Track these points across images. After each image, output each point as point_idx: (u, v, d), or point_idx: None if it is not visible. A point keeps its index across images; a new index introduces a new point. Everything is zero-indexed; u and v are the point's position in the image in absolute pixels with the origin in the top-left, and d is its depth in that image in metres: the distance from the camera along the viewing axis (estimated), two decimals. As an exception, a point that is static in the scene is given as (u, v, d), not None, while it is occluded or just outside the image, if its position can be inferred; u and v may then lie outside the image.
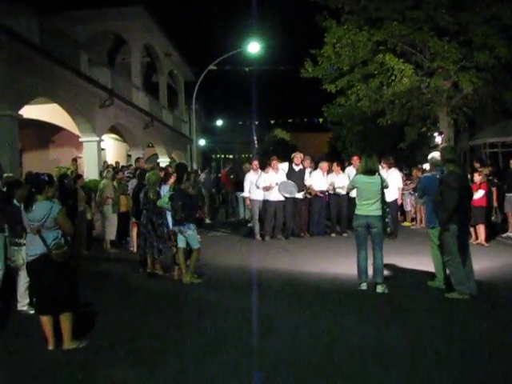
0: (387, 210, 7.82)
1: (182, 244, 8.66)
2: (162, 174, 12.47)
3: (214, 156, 56.19)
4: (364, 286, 7.75)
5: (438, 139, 10.90)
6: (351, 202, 13.03)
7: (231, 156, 66.50)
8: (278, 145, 61.10)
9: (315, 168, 14.61)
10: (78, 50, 16.70)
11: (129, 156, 25.46)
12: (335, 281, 8.53)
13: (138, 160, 13.42)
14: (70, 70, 15.21)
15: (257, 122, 51.06)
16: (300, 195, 13.85)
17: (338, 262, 10.08)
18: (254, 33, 42.45)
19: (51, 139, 22.65)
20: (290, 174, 13.86)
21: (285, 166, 14.08)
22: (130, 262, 10.72)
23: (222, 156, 61.31)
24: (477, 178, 13.01)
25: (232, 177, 19.29)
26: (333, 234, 14.24)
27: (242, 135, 60.63)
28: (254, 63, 32.41)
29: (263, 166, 14.51)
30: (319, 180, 14.18)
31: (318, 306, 7.07)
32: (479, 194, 12.40)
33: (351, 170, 14.42)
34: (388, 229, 7.76)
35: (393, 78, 16.58)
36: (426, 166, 8.98)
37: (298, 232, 14.06)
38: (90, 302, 7.25)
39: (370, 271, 7.82)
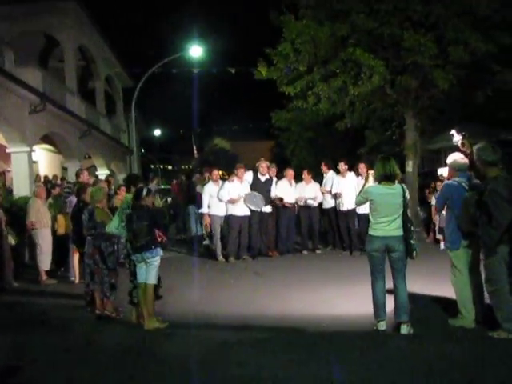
0: (412, 228, 6.13)
1: (142, 278, 6.73)
2: (106, 188, 10.56)
3: (152, 167, 54.02)
4: (383, 326, 6.04)
5: (457, 138, 9.19)
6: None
7: (170, 167, 64.50)
8: (218, 154, 59.61)
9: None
10: (2, 46, 14.43)
11: (64, 169, 23.11)
12: (338, 318, 6.77)
13: (80, 172, 11.18)
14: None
15: (199, 130, 49.14)
16: (267, 209, 12.14)
17: (329, 289, 8.40)
18: (197, 35, 40.54)
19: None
20: (256, 185, 12.13)
21: (249, 175, 12.33)
22: (72, 298, 8.73)
23: (161, 167, 59.30)
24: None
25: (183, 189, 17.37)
26: (304, 251, 12.60)
27: (181, 145, 58.75)
28: (196, 68, 30.45)
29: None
30: (287, 191, 12.50)
31: (330, 356, 5.35)
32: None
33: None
34: (414, 252, 6.05)
35: (362, 75, 15.10)
36: (443, 172, 7.38)
37: (266, 250, 12.34)
38: (16, 366, 5.28)
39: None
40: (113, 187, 13.83)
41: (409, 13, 14.51)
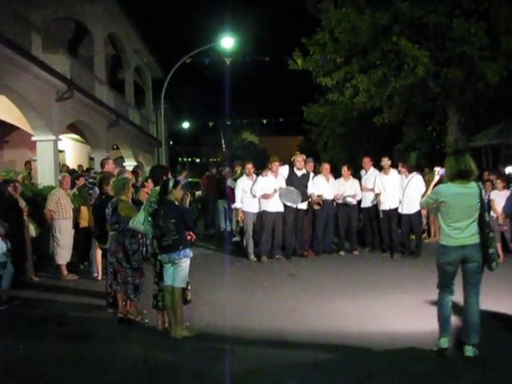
0: (491, 234, 5.23)
1: (169, 280, 6.04)
2: (133, 179, 9.88)
3: (180, 160, 53.56)
4: (445, 343, 5.16)
5: None
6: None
7: (198, 160, 64.14)
8: (246, 148, 59.05)
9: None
10: (30, 31, 13.85)
11: (91, 159, 22.64)
12: (394, 336, 5.87)
13: (105, 161, 10.50)
14: (18, 52, 12.33)
15: (228, 123, 48.37)
16: (303, 205, 11.36)
17: (375, 298, 7.58)
18: (230, 25, 39.90)
19: (4, 139, 19.71)
20: (292, 180, 11.34)
21: (284, 170, 11.57)
22: (93, 296, 8.12)
23: (189, 160, 58.89)
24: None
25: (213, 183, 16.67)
26: (341, 252, 11.79)
27: (210, 138, 58.25)
28: (228, 58, 29.77)
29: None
30: (324, 187, 11.69)
31: None
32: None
33: (362, 173, 12.28)
34: (493, 263, 5.14)
35: (405, 66, 14.21)
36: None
37: (301, 250, 11.56)
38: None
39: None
40: (140, 179, 13.22)
41: (458, 0, 13.59)
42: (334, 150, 29.47)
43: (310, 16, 17.73)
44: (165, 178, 6.70)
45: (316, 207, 11.36)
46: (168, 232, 5.98)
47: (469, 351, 5.09)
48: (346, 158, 24.49)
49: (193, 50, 25.68)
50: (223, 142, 57.40)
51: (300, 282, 8.91)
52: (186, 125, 47.70)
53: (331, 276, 9.43)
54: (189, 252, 6.06)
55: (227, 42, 24.81)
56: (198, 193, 20.85)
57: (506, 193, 10.83)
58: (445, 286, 5.24)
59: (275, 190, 10.99)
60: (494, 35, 13.74)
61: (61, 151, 18.51)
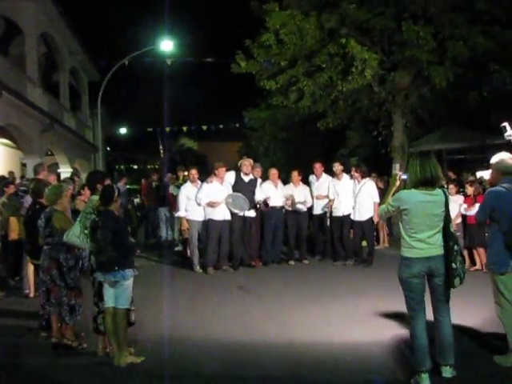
0: (456, 247, 4.69)
1: (111, 301, 5.36)
2: (71, 187, 9.09)
3: (117, 166, 52.28)
4: (426, 381, 4.50)
5: (510, 132, 7.80)
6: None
7: (136, 166, 63.01)
8: (185, 154, 58.16)
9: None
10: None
11: (23, 165, 21.40)
12: (355, 350, 5.46)
13: (39, 169, 9.60)
14: None
15: (168, 129, 47.41)
16: (251, 213, 10.83)
17: (330, 309, 7.18)
18: (169, 27, 39.07)
19: None
20: (238, 186, 10.79)
21: (231, 175, 11.00)
22: (23, 317, 7.29)
23: (127, 166, 57.71)
24: (469, 189, 10.70)
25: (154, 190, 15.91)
26: (291, 262, 11.34)
27: (148, 144, 57.15)
28: (169, 59, 28.93)
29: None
30: (272, 193, 11.19)
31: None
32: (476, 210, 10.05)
33: (313, 179, 11.73)
34: (457, 279, 4.60)
35: (353, 69, 13.87)
36: (484, 174, 6.18)
37: (249, 260, 11.02)
38: None
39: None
40: (77, 187, 12.38)
41: (406, 4, 13.39)
42: (275, 155, 29.10)
43: (253, 18, 17.26)
44: (100, 185, 6.05)
45: (263, 208, 10.88)
46: (105, 247, 5.30)
47: (447, 372, 4.65)
48: (288, 164, 24.17)
49: (131, 53, 24.94)
50: (161, 148, 56.53)
51: (251, 296, 8.34)
52: (123, 130, 46.51)
53: (283, 288, 8.91)
54: (127, 273, 5.36)
55: (166, 45, 24.26)
56: (137, 200, 20.10)
57: (459, 198, 10.65)
58: (415, 304, 4.67)
59: (219, 200, 10.42)
60: (440, 40, 13.63)
61: (-11, 157, 17.37)
